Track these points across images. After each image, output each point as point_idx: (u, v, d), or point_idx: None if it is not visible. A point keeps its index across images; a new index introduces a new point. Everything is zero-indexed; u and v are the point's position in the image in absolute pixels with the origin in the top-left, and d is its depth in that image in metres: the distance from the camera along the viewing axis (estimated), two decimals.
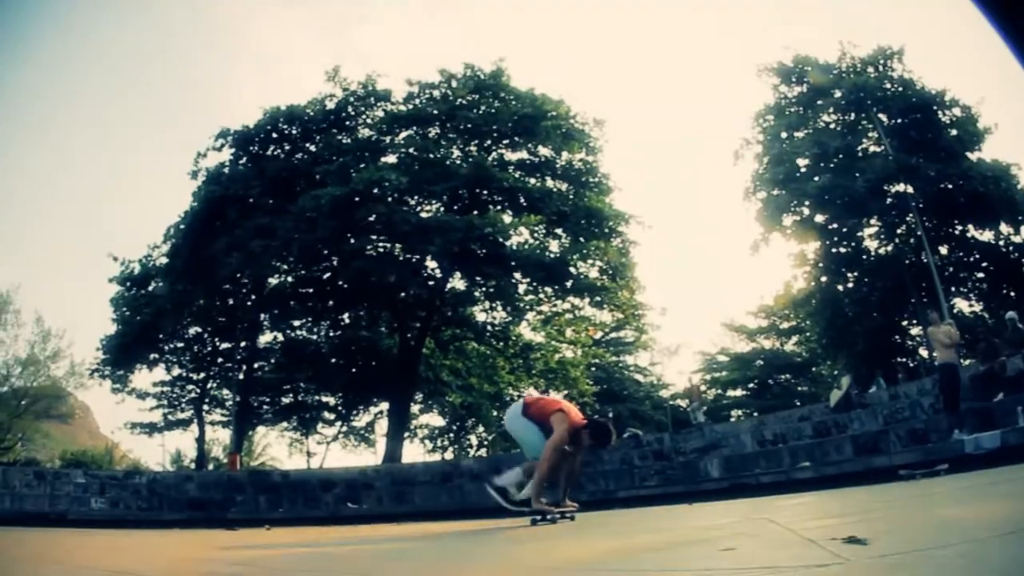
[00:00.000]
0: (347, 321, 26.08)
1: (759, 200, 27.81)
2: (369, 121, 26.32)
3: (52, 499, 21.49)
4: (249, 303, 25.95)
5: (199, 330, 26.84)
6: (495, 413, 24.47)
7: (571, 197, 25.68)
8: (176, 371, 27.27)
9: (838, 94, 27.26)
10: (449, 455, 27.28)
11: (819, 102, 27.96)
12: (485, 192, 25.14)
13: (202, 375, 27.80)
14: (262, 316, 26.53)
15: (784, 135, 28.20)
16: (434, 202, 25.07)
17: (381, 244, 23.97)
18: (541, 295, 25.27)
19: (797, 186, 26.74)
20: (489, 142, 26.21)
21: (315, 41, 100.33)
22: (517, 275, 24.52)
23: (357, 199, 22.99)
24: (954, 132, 25.82)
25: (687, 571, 2.24)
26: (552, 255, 24.62)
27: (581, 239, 25.09)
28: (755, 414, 27.03)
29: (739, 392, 34.48)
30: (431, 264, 24.39)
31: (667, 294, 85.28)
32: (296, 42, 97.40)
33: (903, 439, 12.13)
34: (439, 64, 30.19)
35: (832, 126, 27.80)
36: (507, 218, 24.57)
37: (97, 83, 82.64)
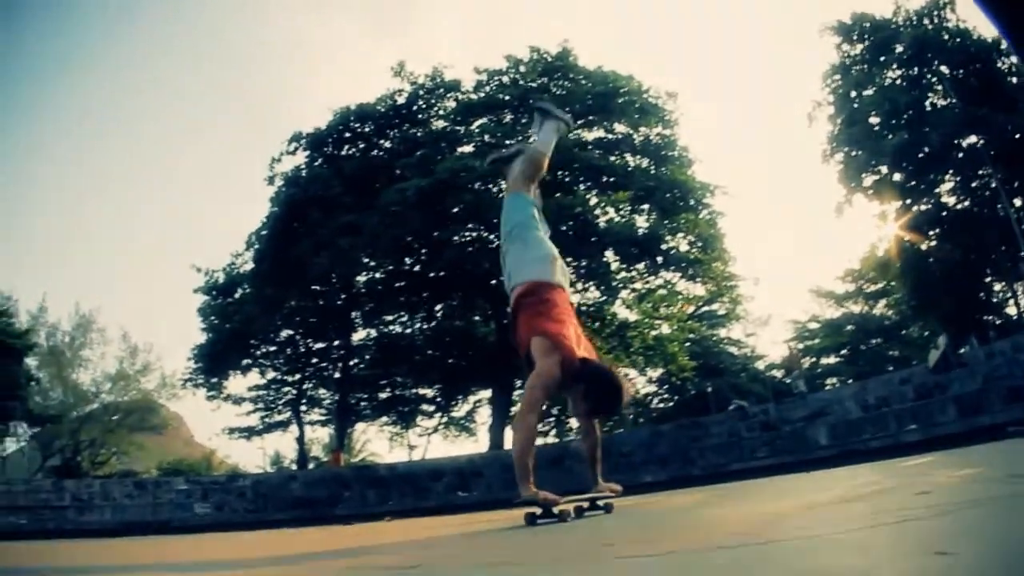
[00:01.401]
0: (441, 312, 25.71)
1: (838, 162, 27.39)
2: (441, 112, 26.08)
3: (155, 508, 21.45)
4: (339, 302, 25.72)
5: (291, 332, 26.58)
6: None
7: (653, 172, 25.32)
8: (271, 374, 27.13)
9: (899, 49, 26.82)
10: (551, 439, 26.90)
11: (882, 58, 27.52)
12: (568, 173, 24.80)
13: (297, 376, 27.68)
14: (353, 314, 26.30)
15: (853, 94, 27.73)
16: None
17: (470, 232, 23.67)
18: (634, 272, 24.92)
19: (872, 145, 26.27)
20: None
21: (369, 42, 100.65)
22: (608, 253, 24.16)
23: (442, 189, 22.67)
24: (1014, 80, 25.37)
25: (921, 508, 1.94)
26: (642, 231, 24.30)
27: (668, 213, 24.74)
28: (850, 381, 26.54)
29: (832, 359, 33.90)
30: None
31: (753, 263, 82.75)
32: (349, 43, 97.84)
33: (1003, 397, 11.86)
34: (495, 52, 29.68)
35: (898, 82, 27.32)
36: (593, 198, 24.22)
37: (159, 96, 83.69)
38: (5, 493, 23.82)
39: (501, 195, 21.27)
